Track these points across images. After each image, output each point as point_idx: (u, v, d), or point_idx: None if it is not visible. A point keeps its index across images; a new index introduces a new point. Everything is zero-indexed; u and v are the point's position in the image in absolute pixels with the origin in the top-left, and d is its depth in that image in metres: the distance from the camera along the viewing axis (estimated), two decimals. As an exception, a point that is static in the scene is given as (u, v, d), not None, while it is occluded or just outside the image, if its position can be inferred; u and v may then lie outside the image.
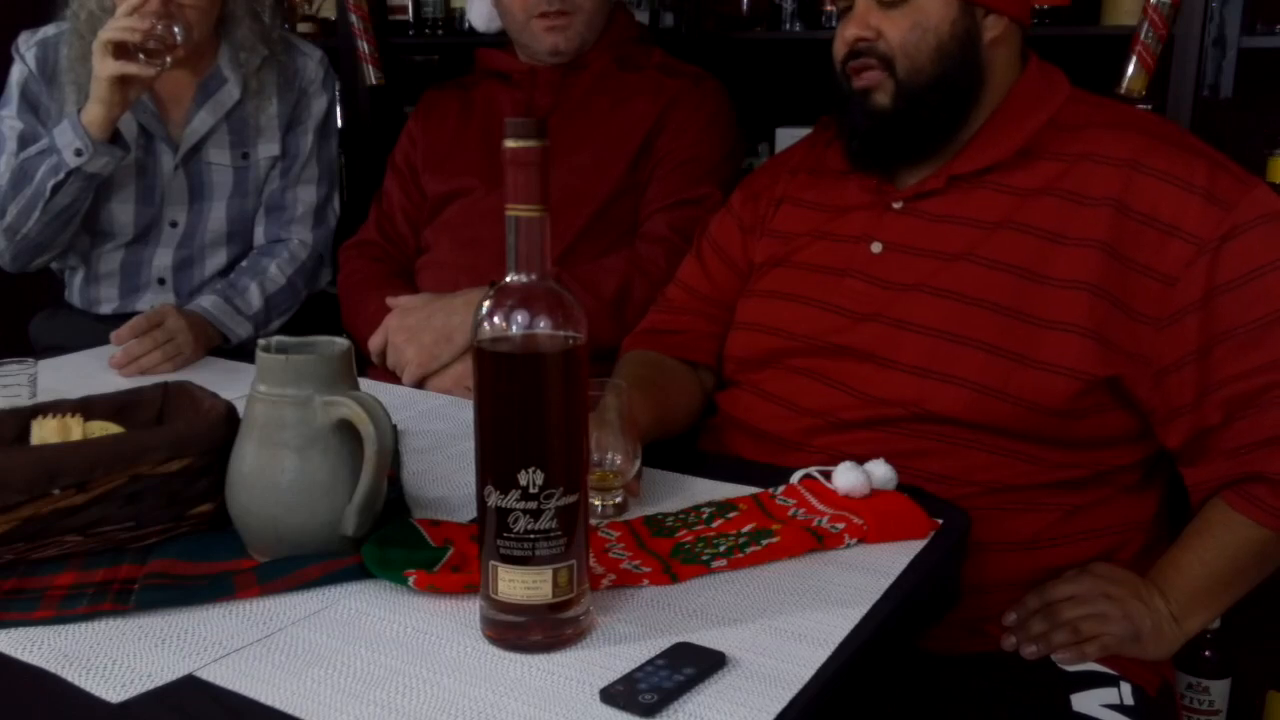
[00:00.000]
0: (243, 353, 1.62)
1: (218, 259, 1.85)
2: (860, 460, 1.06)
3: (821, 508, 1.03)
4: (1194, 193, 1.11)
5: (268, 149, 1.84)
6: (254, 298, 1.77)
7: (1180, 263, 1.10)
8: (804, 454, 1.19)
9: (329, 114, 1.90)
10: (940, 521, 1.02)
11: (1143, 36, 1.69)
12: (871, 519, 0.99)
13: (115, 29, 1.55)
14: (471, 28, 2.37)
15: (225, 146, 1.81)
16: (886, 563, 0.95)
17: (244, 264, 1.84)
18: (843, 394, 1.20)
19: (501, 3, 1.76)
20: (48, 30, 1.78)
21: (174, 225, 1.82)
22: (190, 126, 1.78)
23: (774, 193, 1.38)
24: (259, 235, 1.87)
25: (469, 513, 1.01)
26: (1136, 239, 1.12)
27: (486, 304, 0.79)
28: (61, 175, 1.63)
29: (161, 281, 1.83)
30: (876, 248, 1.23)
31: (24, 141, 1.74)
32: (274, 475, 0.91)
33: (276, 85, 1.84)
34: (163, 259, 1.82)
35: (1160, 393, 1.13)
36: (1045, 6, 1.80)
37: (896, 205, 1.24)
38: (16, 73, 1.77)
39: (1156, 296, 1.11)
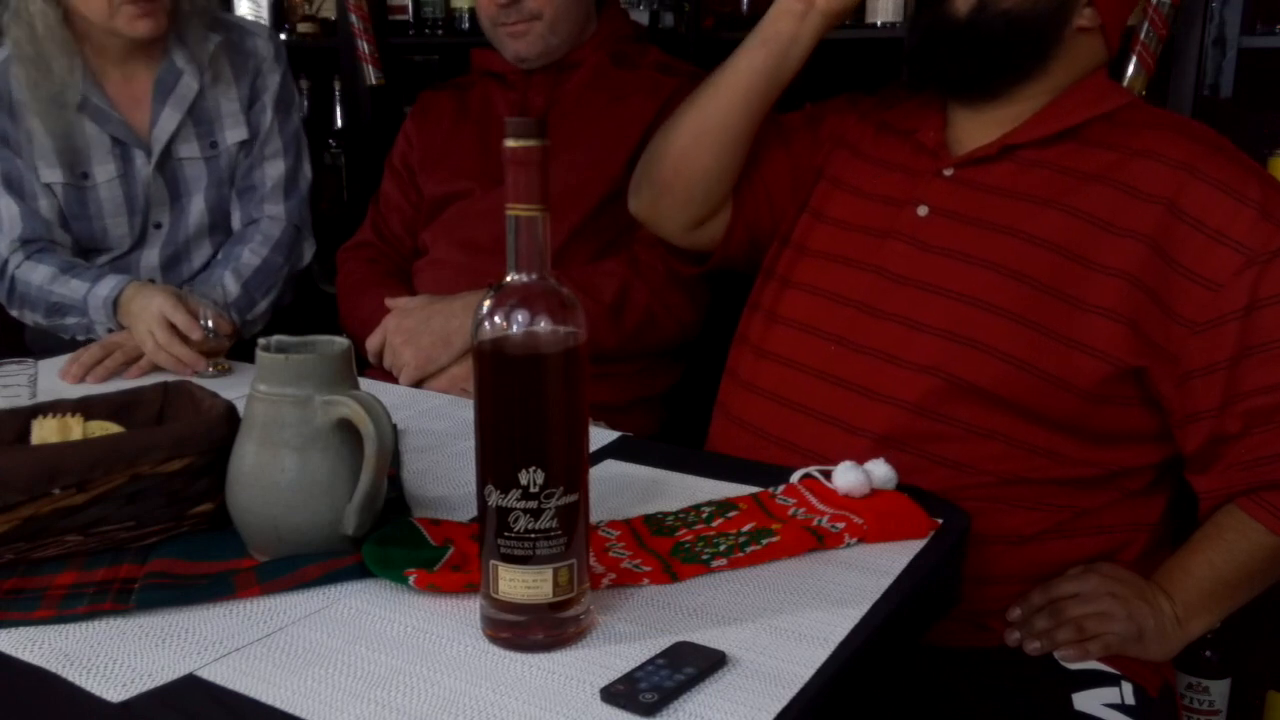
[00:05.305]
0: (242, 352, 1.62)
1: (203, 252, 1.85)
2: (862, 459, 1.06)
3: (821, 507, 1.03)
4: (1248, 205, 1.12)
5: (235, 134, 1.82)
6: (231, 285, 1.75)
7: (1229, 270, 1.11)
8: (830, 427, 1.20)
9: (284, 87, 1.88)
10: (940, 521, 1.02)
11: (1143, 36, 1.69)
12: (871, 518, 0.99)
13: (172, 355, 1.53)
14: (471, 28, 2.37)
15: (193, 139, 1.80)
16: (886, 562, 0.95)
17: (218, 256, 1.83)
18: (873, 359, 1.20)
19: (476, 6, 1.76)
20: None
21: (158, 226, 1.81)
22: (158, 127, 1.76)
23: (839, 129, 1.40)
24: (235, 220, 1.86)
25: (469, 512, 1.01)
26: (1183, 241, 1.12)
27: (486, 303, 0.79)
28: (89, 336, 1.67)
29: (152, 281, 1.83)
30: (923, 211, 1.24)
31: (9, 181, 1.72)
32: (274, 475, 0.91)
33: (232, 69, 1.82)
34: (150, 259, 1.82)
35: (1181, 395, 1.14)
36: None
37: (948, 172, 1.25)
38: None
39: (1197, 300, 1.12)
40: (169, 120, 1.77)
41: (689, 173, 1.38)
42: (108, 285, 1.64)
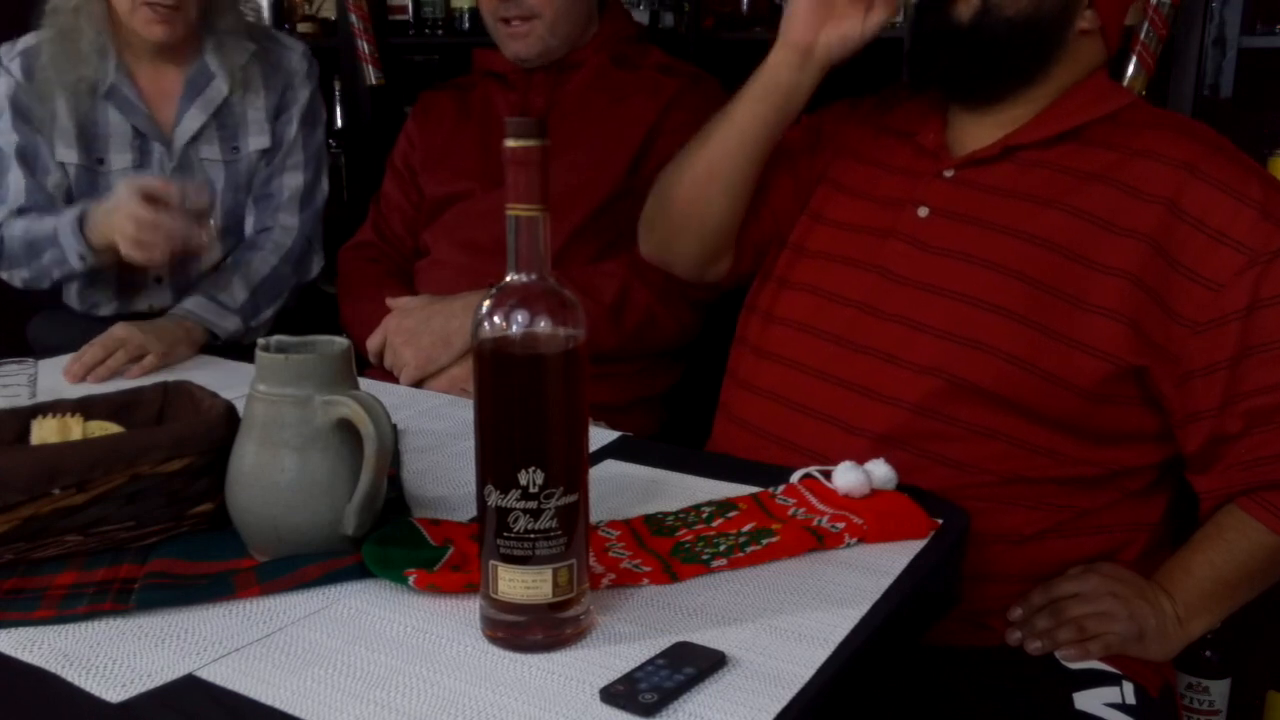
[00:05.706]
0: (242, 352, 1.62)
1: (213, 254, 1.85)
2: (863, 459, 1.06)
3: (821, 507, 1.03)
4: (1249, 205, 1.12)
5: (258, 141, 1.83)
6: (238, 291, 1.76)
7: (1230, 270, 1.11)
8: (829, 426, 1.20)
9: (313, 102, 1.89)
10: (940, 521, 1.02)
11: (1143, 36, 1.69)
12: (871, 519, 0.99)
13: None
14: (471, 28, 2.37)
15: (215, 141, 1.81)
16: (886, 562, 0.95)
17: (228, 260, 1.84)
18: (873, 359, 1.20)
19: (477, 2, 1.77)
20: (28, 40, 1.77)
21: None
22: (182, 125, 1.78)
23: (839, 135, 1.40)
24: (248, 225, 1.86)
25: (469, 512, 1.01)
26: (1184, 241, 1.12)
27: (486, 303, 0.79)
28: (66, 271, 1.68)
29: (159, 280, 1.83)
30: (923, 212, 1.24)
31: (24, 155, 1.74)
32: (274, 475, 0.91)
33: (263, 79, 1.83)
34: None
35: (1181, 395, 1.14)
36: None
37: (948, 173, 1.25)
38: (3, 85, 1.75)
39: (1198, 300, 1.12)
40: (193, 120, 1.78)
41: (700, 215, 1.38)
42: (76, 207, 1.66)
